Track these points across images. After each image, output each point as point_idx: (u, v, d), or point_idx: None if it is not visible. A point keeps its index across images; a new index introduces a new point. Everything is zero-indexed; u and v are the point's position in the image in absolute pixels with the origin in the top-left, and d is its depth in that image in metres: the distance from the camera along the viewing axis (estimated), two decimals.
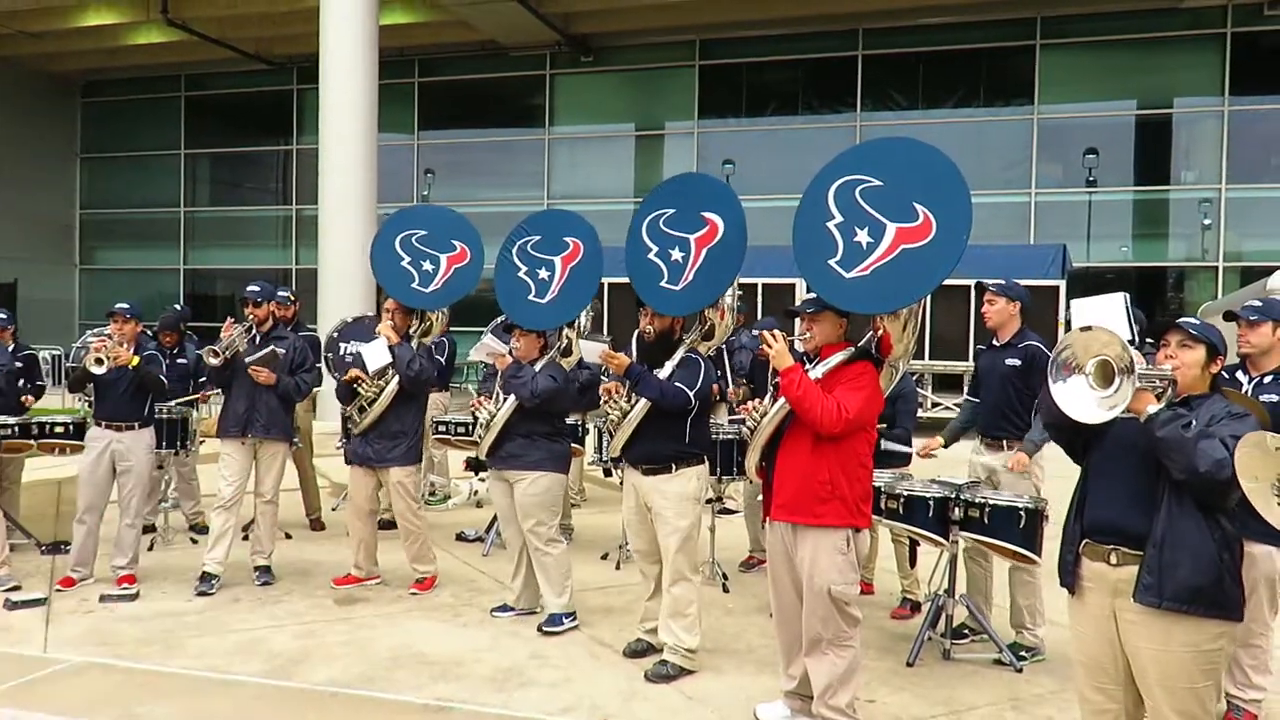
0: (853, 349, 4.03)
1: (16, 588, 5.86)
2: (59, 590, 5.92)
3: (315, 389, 7.98)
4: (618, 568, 6.70)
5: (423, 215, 6.70)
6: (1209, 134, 18.54)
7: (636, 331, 5.07)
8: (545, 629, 5.30)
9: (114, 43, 22.08)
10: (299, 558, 6.88)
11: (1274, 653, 4.31)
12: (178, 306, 8.28)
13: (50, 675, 4.67)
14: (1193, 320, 3.08)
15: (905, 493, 4.92)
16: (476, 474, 8.81)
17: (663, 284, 4.80)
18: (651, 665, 4.75)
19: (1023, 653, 4.96)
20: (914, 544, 5.53)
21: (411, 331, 6.11)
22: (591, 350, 5.01)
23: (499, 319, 7.77)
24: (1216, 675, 3.00)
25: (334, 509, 8.42)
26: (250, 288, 6.30)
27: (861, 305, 3.95)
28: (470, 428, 7.21)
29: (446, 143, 22.51)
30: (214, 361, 6.00)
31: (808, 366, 4.00)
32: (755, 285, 14.18)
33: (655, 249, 4.86)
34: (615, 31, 20.71)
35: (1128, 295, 3.53)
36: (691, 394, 4.70)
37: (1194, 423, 2.87)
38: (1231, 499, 2.84)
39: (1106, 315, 3.30)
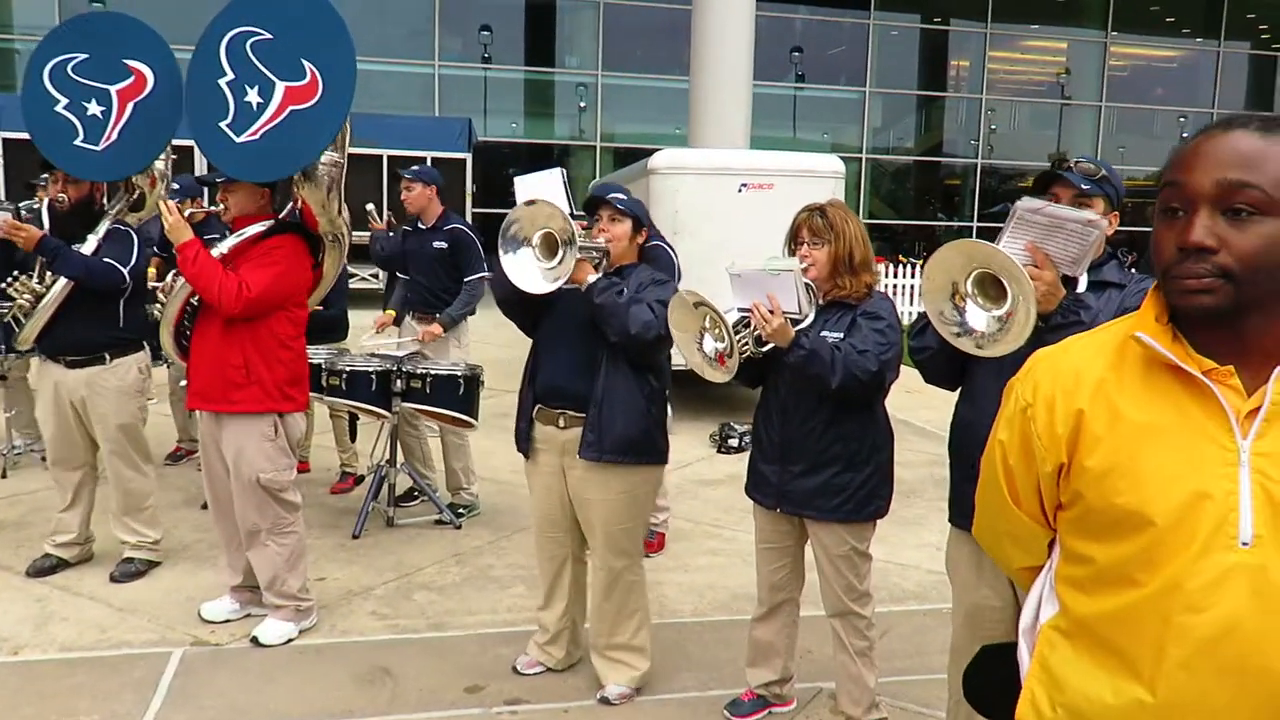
0: (272, 221, 3.79)
1: None
2: None
3: None
4: (4, 475, 5.76)
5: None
6: (588, 23, 20.34)
7: (46, 199, 4.26)
8: None
9: None
10: None
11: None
12: None
13: None
14: (620, 194, 3.36)
15: (348, 369, 4.87)
16: None
17: (78, 143, 4.02)
18: (117, 566, 4.33)
19: (460, 510, 5.29)
20: (354, 418, 5.55)
21: None
22: None
23: None
24: (645, 513, 3.47)
25: None
26: None
27: (254, 173, 3.68)
28: None
29: None
30: None
31: (216, 239, 3.71)
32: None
33: (65, 101, 4.01)
34: None
35: (564, 170, 3.78)
36: (126, 271, 4.12)
37: (625, 290, 3.20)
38: (659, 356, 3.26)
39: (547, 189, 3.51)
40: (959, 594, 2.70)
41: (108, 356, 4.23)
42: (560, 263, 3.10)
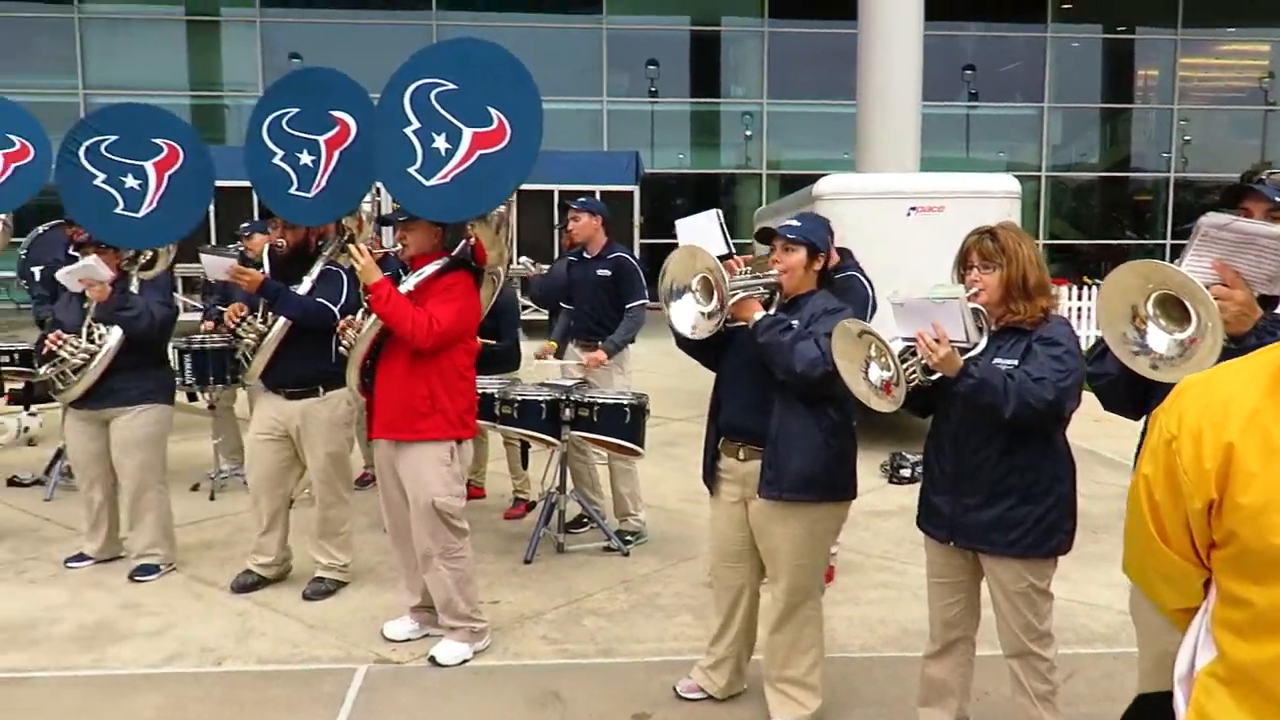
0: (447, 259, 3.98)
1: None
2: None
3: None
4: (212, 498, 6.21)
5: None
6: (752, 52, 20.42)
7: (268, 245, 4.62)
8: (137, 578, 4.79)
9: None
10: None
11: None
12: None
13: None
14: (792, 223, 3.34)
15: (519, 398, 5.03)
16: (26, 408, 7.65)
17: (293, 191, 4.37)
18: (309, 584, 4.60)
19: (628, 536, 5.36)
20: (525, 445, 5.72)
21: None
22: (218, 266, 4.47)
23: (42, 227, 6.72)
24: (827, 550, 3.43)
25: None
26: None
27: (445, 214, 3.90)
28: (20, 356, 6.24)
29: None
30: None
31: (403, 279, 3.90)
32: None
33: (281, 153, 4.39)
34: None
35: (719, 211, 3.82)
36: (336, 309, 4.41)
37: (795, 325, 3.17)
38: (832, 390, 3.21)
39: (703, 232, 3.55)
40: (1146, 637, 2.54)
41: (320, 389, 4.53)
42: (716, 305, 3.12)
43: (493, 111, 3.71)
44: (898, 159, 12.56)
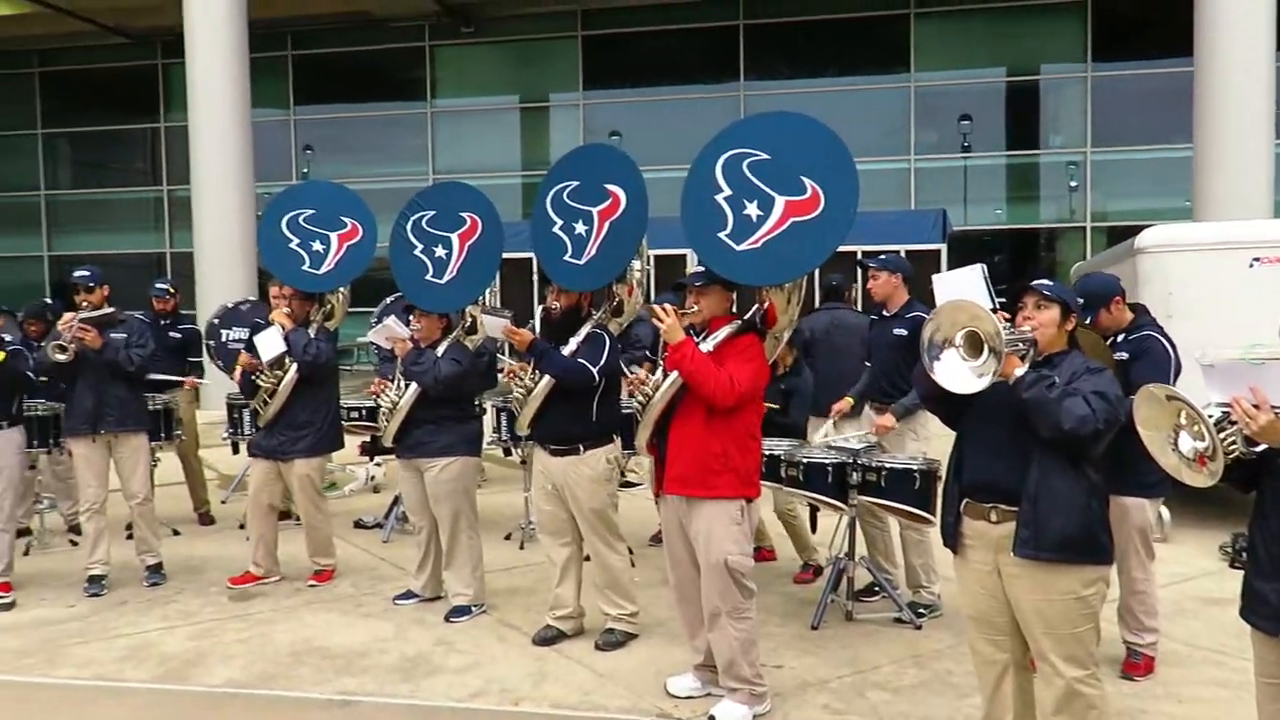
0: (739, 321, 4.06)
1: None
2: None
3: (199, 380, 7.68)
4: (521, 547, 6.66)
5: (309, 193, 6.49)
6: (1074, 99, 19.27)
7: (542, 307, 5.01)
8: (452, 619, 5.21)
9: None
10: (189, 554, 6.62)
11: (1159, 594, 4.54)
12: (48, 300, 7.83)
13: None
14: (1046, 281, 3.23)
15: (805, 460, 5.00)
16: (372, 459, 8.62)
17: (567, 258, 4.73)
18: (600, 635, 4.79)
19: (920, 610, 5.13)
20: (814, 509, 5.66)
21: (312, 316, 5.88)
22: (494, 326, 4.91)
23: (389, 298, 7.59)
24: (1095, 618, 3.15)
25: (223, 501, 8.12)
26: (79, 272, 5.83)
27: (754, 278, 4.00)
28: (367, 412, 7.05)
29: (325, 118, 21.77)
30: (61, 358, 5.45)
31: (697, 340, 4.01)
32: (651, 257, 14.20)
33: (559, 223, 4.78)
34: (495, 1, 20.32)
35: (984, 265, 3.68)
36: (595, 370, 4.65)
37: (1056, 381, 3.00)
38: (1097, 450, 2.99)
39: (966, 287, 3.44)
40: None
41: (581, 447, 4.75)
42: (985, 360, 2.99)
43: (806, 181, 3.80)
44: (1244, 204, 11.32)
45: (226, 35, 14.67)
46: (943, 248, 14.49)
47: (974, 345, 3.04)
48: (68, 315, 5.62)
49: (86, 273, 5.82)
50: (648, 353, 6.47)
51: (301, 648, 4.87)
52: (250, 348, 5.82)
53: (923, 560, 5.22)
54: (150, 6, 19.55)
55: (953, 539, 3.33)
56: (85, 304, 5.71)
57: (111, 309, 5.76)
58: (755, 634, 4.06)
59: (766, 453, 4.67)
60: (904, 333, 5.36)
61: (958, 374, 3.07)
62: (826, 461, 4.97)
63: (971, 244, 18.24)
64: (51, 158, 23.38)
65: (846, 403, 5.73)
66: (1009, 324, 3.15)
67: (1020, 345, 3.12)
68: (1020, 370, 3.03)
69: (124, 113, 22.78)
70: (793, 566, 5.99)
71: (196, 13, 14.62)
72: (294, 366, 5.67)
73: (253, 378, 5.73)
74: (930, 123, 19.62)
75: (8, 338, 5.63)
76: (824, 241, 3.81)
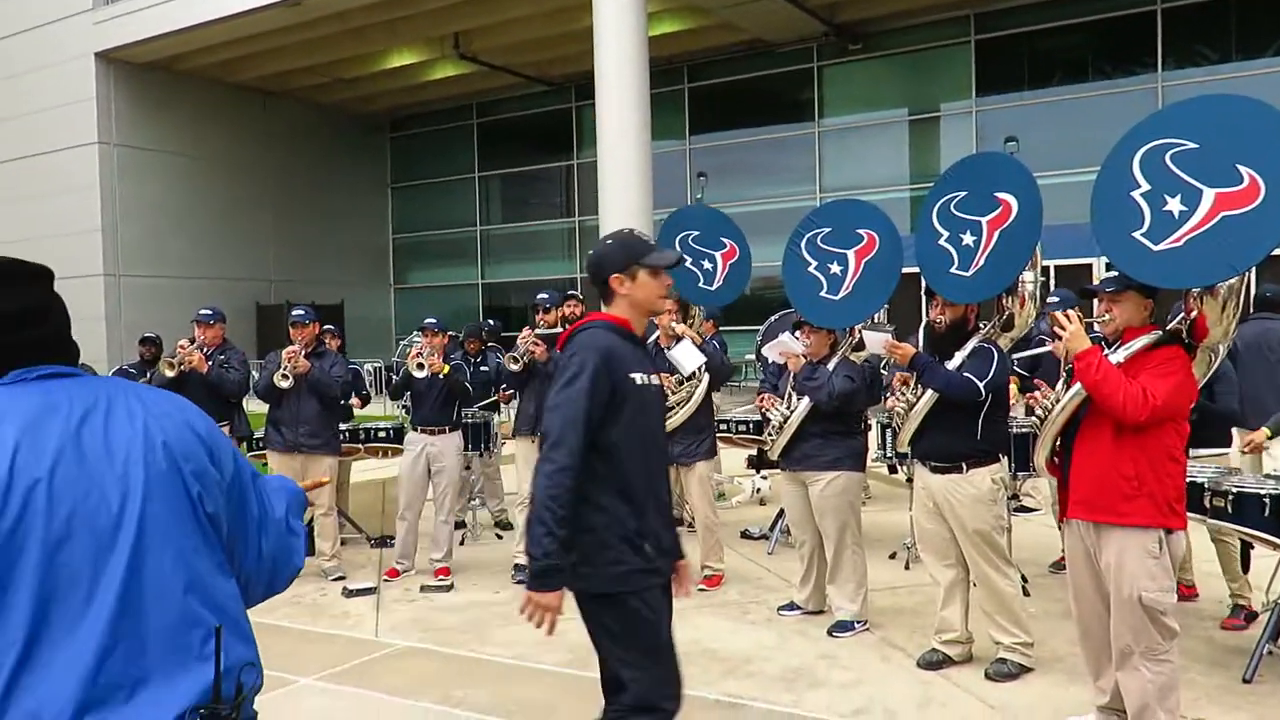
0: (1160, 332, 3.69)
1: (342, 578, 6.54)
2: (386, 580, 6.54)
3: None
4: (907, 567, 6.50)
5: (692, 216, 6.91)
6: None
7: (925, 321, 4.90)
8: (835, 634, 5.21)
9: (414, 80, 24.18)
10: None
11: None
12: (490, 322, 8.96)
13: (382, 658, 5.17)
14: None
15: (1235, 489, 4.42)
16: (758, 471, 8.84)
17: (953, 270, 4.60)
18: (991, 665, 4.59)
19: None
20: (1247, 546, 4.98)
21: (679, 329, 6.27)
22: (875, 341, 4.89)
23: (775, 315, 7.78)
24: None
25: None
26: (540, 295, 6.69)
27: (1174, 279, 3.64)
28: (754, 426, 7.27)
29: (717, 144, 22.77)
30: (514, 367, 6.38)
31: (1106, 351, 3.69)
32: (1046, 268, 13.32)
33: (946, 234, 4.66)
34: (882, 16, 20.11)
35: None
36: (981, 385, 4.45)
37: None
38: None
39: None
40: None
41: (964, 466, 4.54)
42: None
43: (1243, 169, 3.43)
44: None
45: (631, 75, 15.84)
46: None
47: None
48: (527, 330, 6.44)
49: (546, 295, 6.74)
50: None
51: (691, 648, 5.08)
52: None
53: None
54: (566, 56, 21.71)
55: None
56: (542, 322, 6.63)
57: (558, 329, 6.52)
58: (1176, 680, 3.65)
59: (1189, 479, 4.18)
60: None
61: None
62: (1263, 492, 4.35)
63: None
64: (485, 197, 26.67)
65: (1263, 434, 4.95)
66: None
67: None
68: None
69: (544, 152, 25.49)
70: (1218, 609, 5.31)
71: (606, 57, 15.93)
72: (706, 377, 6.04)
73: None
74: None
75: (450, 355, 6.62)
76: (1263, 237, 3.38)
